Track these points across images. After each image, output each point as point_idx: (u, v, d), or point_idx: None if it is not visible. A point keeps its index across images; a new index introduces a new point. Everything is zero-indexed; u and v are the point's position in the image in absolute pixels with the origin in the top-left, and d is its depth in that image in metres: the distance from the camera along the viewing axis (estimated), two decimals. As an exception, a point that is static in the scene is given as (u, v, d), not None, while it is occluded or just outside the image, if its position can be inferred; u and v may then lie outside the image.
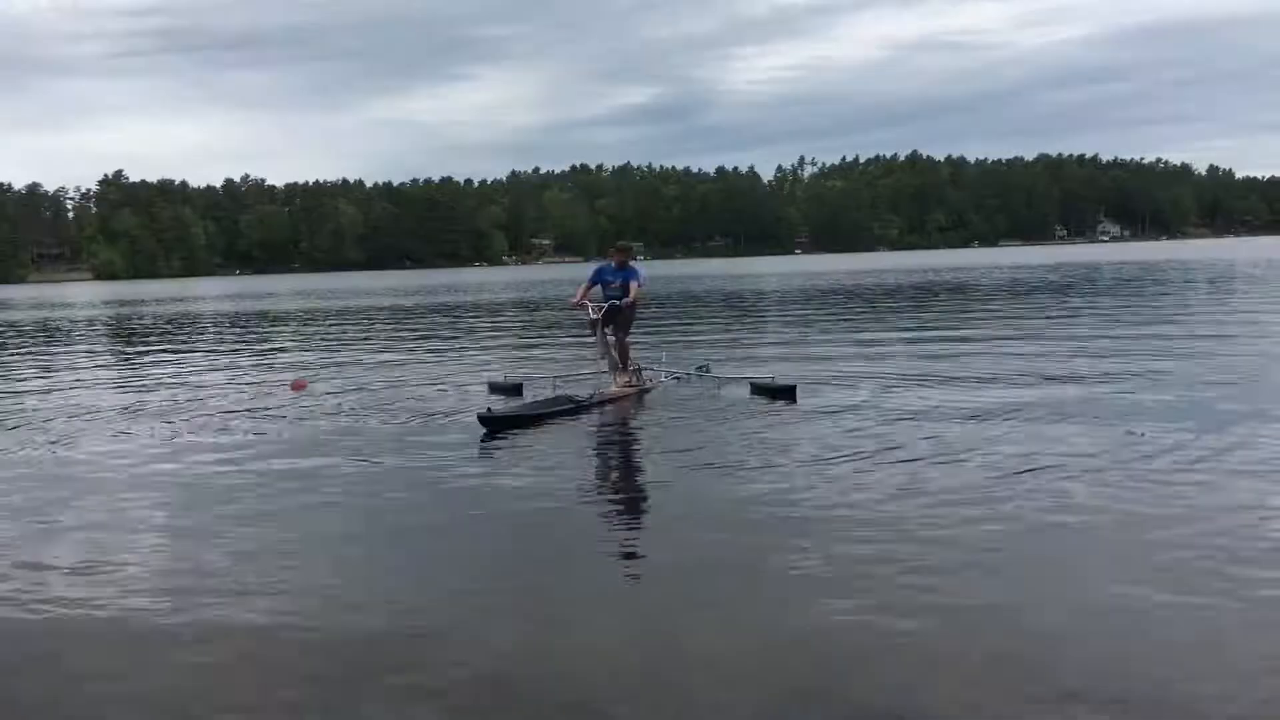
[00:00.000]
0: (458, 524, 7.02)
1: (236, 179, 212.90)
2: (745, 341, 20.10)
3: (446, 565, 6.19)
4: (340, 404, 12.63)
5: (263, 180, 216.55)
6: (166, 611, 5.42)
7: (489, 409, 10.71)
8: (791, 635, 4.90)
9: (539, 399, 11.90)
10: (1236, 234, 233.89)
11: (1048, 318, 23.25)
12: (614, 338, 12.40)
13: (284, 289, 79.35)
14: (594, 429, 10.67)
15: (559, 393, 12.22)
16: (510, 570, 6.03)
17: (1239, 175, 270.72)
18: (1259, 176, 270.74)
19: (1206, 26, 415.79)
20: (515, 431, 10.18)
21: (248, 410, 12.36)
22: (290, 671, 4.68)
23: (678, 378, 13.44)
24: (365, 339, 24.68)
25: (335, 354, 20.34)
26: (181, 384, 15.69)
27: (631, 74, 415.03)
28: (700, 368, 13.95)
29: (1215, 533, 6.06)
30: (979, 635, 4.81)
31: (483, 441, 9.81)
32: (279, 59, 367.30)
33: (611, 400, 11.85)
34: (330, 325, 31.23)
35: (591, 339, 12.73)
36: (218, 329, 31.71)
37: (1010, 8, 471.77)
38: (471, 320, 31.42)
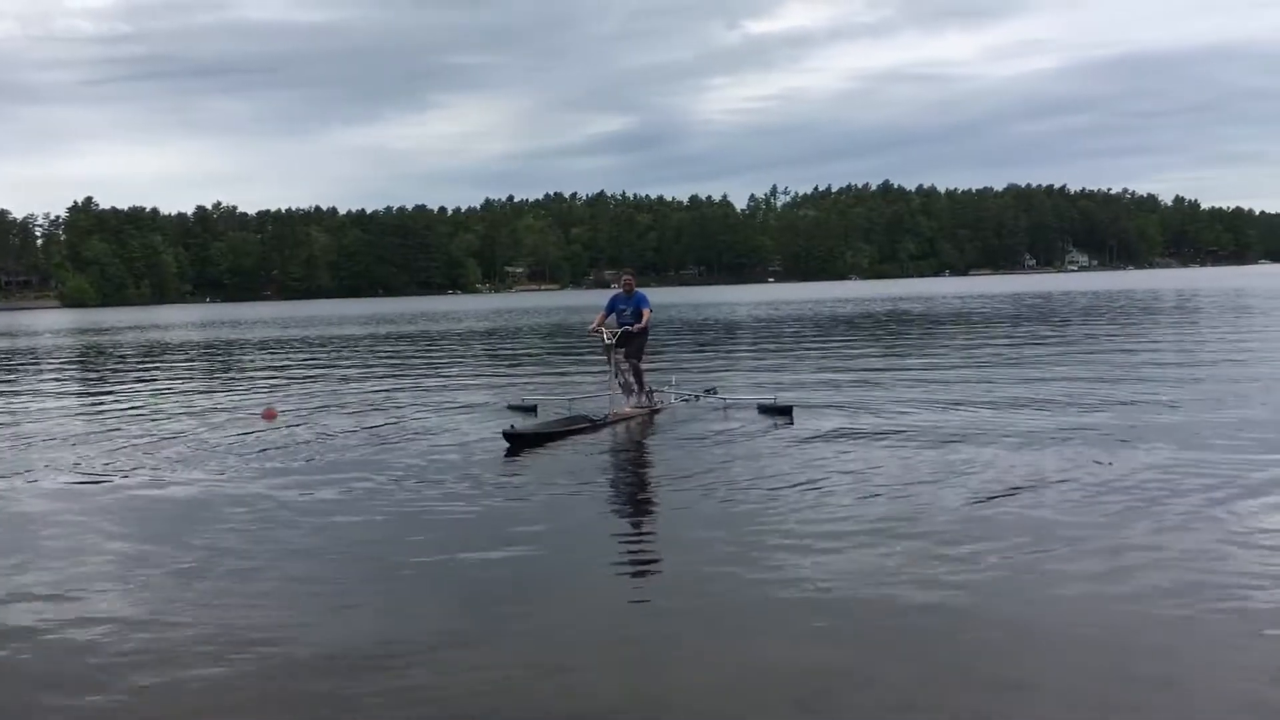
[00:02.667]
0: (441, 546, 6.96)
1: (208, 206, 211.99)
2: (744, 366, 20.62)
3: (431, 593, 6.12)
4: (313, 432, 12.56)
5: (234, 207, 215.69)
6: (122, 645, 5.32)
7: (513, 426, 11.48)
8: (771, 668, 4.88)
9: (558, 418, 12.54)
10: (1202, 264, 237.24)
11: (1032, 344, 23.45)
12: (628, 362, 13.13)
13: (256, 316, 78.88)
14: (605, 450, 11.08)
15: (574, 413, 12.88)
16: (495, 599, 5.97)
17: (1204, 206, 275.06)
18: (1224, 207, 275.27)
19: (1172, 60, 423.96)
20: (535, 450, 10.80)
21: (216, 439, 12.24)
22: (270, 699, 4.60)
23: (686, 399, 14.06)
24: (340, 366, 24.54)
25: (309, 382, 20.20)
26: (148, 412, 15.52)
27: (606, 103, 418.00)
28: (709, 390, 14.55)
29: (1183, 557, 6.10)
30: (965, 672, 4.81)
31: (506, 457, 10.45)
32: (252, 86, 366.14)
33: (624, 419, 12.57)
34: (303, 353, 31.04)
35: (605, 366, 13.35)
36: (187, 357, 31.44)
37: (980, 40, 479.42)
38: (451, 347, 31.35)
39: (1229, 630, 5.14)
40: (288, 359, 28.77)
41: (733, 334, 34.33)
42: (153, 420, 14.57)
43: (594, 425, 12.23)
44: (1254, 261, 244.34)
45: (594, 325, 13.39)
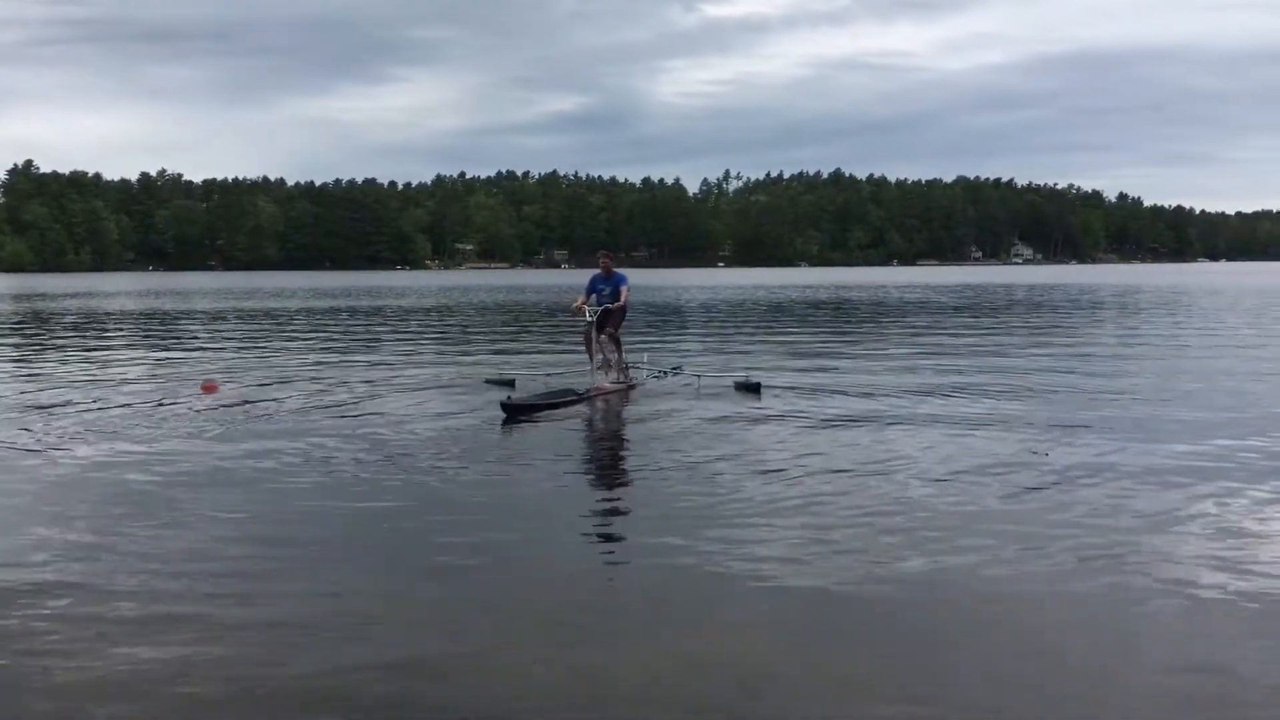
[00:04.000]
0: (392, 515, 6.92)
1: (152, 173, 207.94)
2: (716, 348, 20.64)
3: (378, 564, 6.07)
4: (254, 405, 12.41)
5: (179, 175, 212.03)
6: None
7: (509, 397, 12.19)
8: (712, 654, 4.92)
9: (547, 390, 13.11)
10: (1143, 260, 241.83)
11: (984, 334, 23.74)
12: (605, 336, 13.69)
13: (200, 286, 77.60)
14: (582, 425, 11.58)
15: (554, 388, 13.41)
16: (449, 572, 5.95)
17: (1147, 203, 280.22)
18: (1165, 205, 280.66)
19: (1120, 58, 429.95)
20: (529, 419, 11.47)
21: (155, 411, 12.06)
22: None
23: (658, 375, 14.74)
24: (283, 339, 24.23)
25: (251, 354, 19.93)
26: (87, 383, 15.24)
27: (561, 82, 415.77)
28: (675, 367, 15.37)
29: (1111, 543, 6.24)
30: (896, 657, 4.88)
31: (503, 426, 11.00)
32: (201, 53, 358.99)
33: (604, 394, 13.20)
34: (247, 325, 30.61)
35: (580, 343, 13.85)
36: (129, 326, 30.88)
37: (934, 32, 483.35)
38: (408, 323, 31.09)
39: (1151, 617, 5.26)
40: (233, 330, 28.37)
41: (694, 317, 34.39)
42: (88, 390, 14.30)
43: (580, 398, 12.78)
44: (1193, 259, 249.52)
45: (577, 305, 13.95)
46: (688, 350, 20.41)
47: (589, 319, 13.67)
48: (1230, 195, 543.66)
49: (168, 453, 9.61)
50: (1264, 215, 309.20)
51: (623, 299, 13.83)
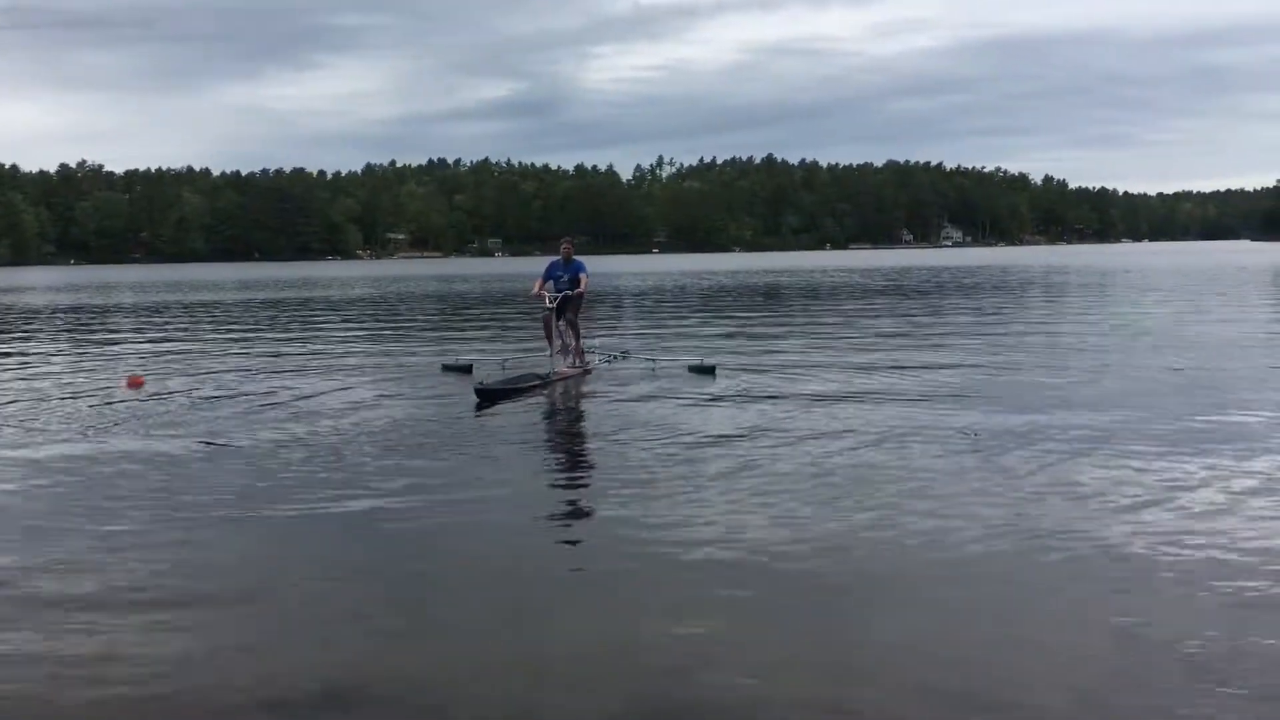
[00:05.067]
0: (341, 499, 6.84)
1: (72, 164, 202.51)
2: (659, 334, 20.63)
3: (322, 543, 6.01)
4: (178, 400, 12.18)
5: (100, 166, 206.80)
6: None
7: (482, 382, 12.46)
8: (636, 640, 4.96)
9: (515, 375, 13.31)
10: (1069, 241, 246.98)
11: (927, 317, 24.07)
12: (564, 323, 14.01)
13: (123, 279, 75.83)
14: (543, 408, 11.88)
15: (522, 371, 13.64)
16: (395, 553, 5.90)
17: (1072, 186, 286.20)
18: (1090, 187, 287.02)
19: (1045, 42, 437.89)
20: (502, 402, 11.76)
21: (80, 408, 11.79)
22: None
23: (608, 360, 15.10)
24: (213, 332, 23.80)
25: (177, 347, 19.54)
26: (9, 381, 14.84)
27: (490, 68, 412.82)
28: (623, 353, 15.81)
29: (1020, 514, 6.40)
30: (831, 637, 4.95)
31: (477, 412, 11.13)
32: (124, 39, 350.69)
33: (563, 378, 13.46)
34: (172, 318, 30.01)
35: (538, 328, 14.11)
36: (49, 322, 30.10)
37: (864, 16, 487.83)
38: (334, 312, 30.66)
39: (1070, 584, 5.40)
40: (159, 324, 27.78)
41: (634, 303, 34.42)
42: (15, 386, 13.93)
43: (545, 383, 13.06)
44: (1116, 240, 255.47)
45: (535, 291, 14.14)
46: (633, 336, 20.42)
47: (549, 305, 13.89)
48: (1152, 177, 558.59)
49: (97, 449, 9.39)
50: (1184, 196, 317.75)
51: (582, 286, 14.08)
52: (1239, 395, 11.36)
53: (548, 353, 13.93)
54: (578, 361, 14.27)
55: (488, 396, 11.88)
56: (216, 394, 12.87)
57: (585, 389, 13.02)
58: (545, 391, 12.76)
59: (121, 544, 6.43)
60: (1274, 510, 6.72)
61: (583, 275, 14.14)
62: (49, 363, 17.61)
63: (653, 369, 14.36)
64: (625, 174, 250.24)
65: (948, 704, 4.21)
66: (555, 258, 14.63)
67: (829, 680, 4.44)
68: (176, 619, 5.19)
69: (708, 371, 13.94)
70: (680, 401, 11.62)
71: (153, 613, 5.26)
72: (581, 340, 14.55)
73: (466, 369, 14.58)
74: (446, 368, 15.01)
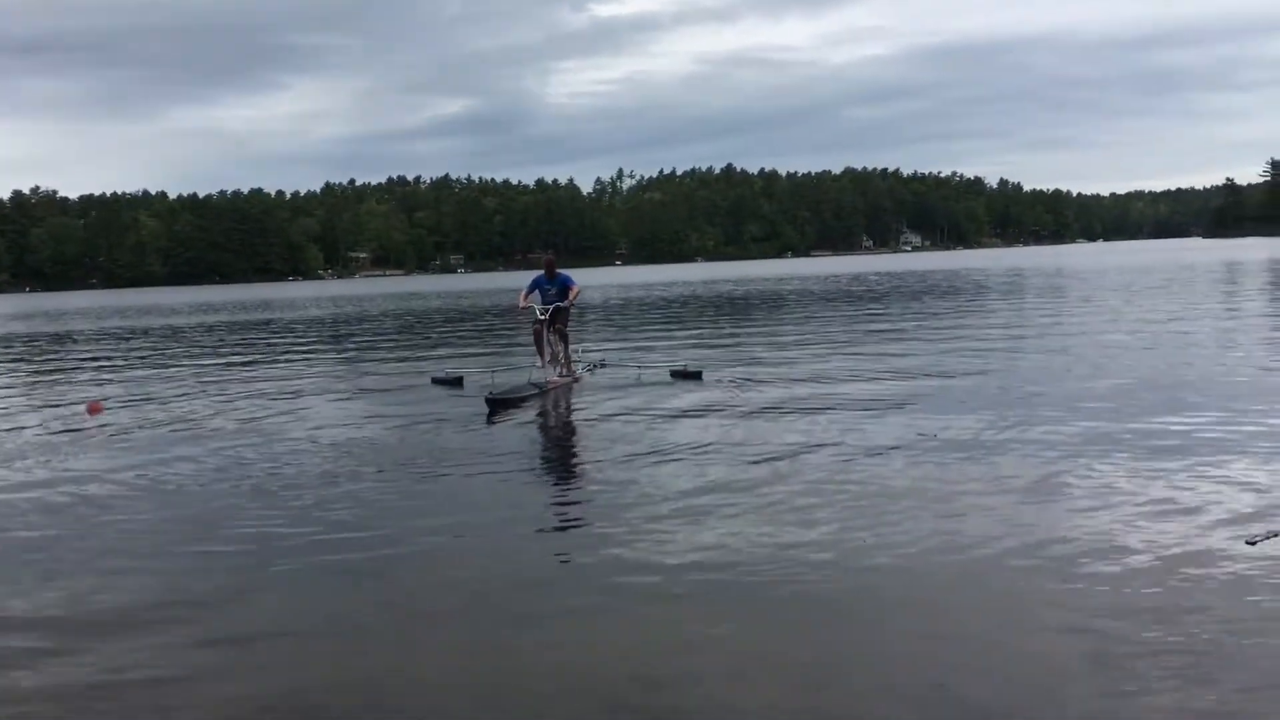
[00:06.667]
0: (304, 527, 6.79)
1: (25, 190, 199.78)
2: (636, 343, 20.52)
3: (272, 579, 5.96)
4: (140, 426, 12.04)
5: (54, 192, 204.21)
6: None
7: (491, 392, 12.69)
8: (617, 647, 4.97)
9: (513, 386, 13.51)
10: (1025, 243, 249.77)
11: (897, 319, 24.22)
12: (554, 334, 14.37)
13: (79, 306, 74.80)
14: (532, 418, 12.06)
15: (515, 383, 13.80)
16: (359, 572, 5.87)
17: (1026, 188, 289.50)
18: (1044, 189, 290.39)
19: (996, 47, 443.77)
20: (510, 411, 12.22)
21: (42, 437, 11.64)
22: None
23: (589, 369, 15.45)
24: (178, 355, 23.52)
25: (137, 375, 19.31)
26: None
27: (450, 85, 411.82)
28: (601, 362, 16.14)
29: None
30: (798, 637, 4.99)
31: (488, 421, 11.48)
32: (76, 64, 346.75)
33: (554, 387, 13.86)
34: (133, 344, 29.63)
35: (527, 340, 14.47)
36: (3, 350, 29.64)
37: (818, 26, 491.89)
38: (294, 334, 30.39)
39: (1032, 583, 5.46)
40: (118, 350, 27.44)
41: (604, 313, 34.41)
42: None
43: (543, 392, 13.42)
44: (1071, 240, 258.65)
45: (521, 304, 14.59)
46: (614, 348, 20.43)
47: (540, 316, 14.19)
48: (1105, 177, 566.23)
49: (59, 475, 9.27)
50: (1136, 196, 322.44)
51: (572, 296, 14.48)
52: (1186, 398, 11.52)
53: (539, 363, 14.14)
54: (566, 371, 14.61)
55: (497, 406, 12.26)
56: (179, 418, 12.73)
57: (573, 398, 13.26)
58: (539, 401, 13.03)
59: (87, 568, 6.35)
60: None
61: (573, 286, 14.55)
62: (8, 391, 17.34)
63: (638, 376, 14.69)
64: (586, 187, 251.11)
65: (921, 706, 4.25)
66: (539, 273, 14.96)
67: (803, 686, 4.48)
68: (143, 643, 5.14)
69: (694, 376, 14.30)
70: (665, 410, 11.69)
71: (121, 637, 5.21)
72: (570, 350, 14.94)
73: (457, 381, 14.89)
74: (436, 380, 15.24)
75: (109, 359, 24.48)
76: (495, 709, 4.38)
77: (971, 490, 7.43)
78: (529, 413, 12.28)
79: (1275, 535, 5.93)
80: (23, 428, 12.60)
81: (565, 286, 14.53)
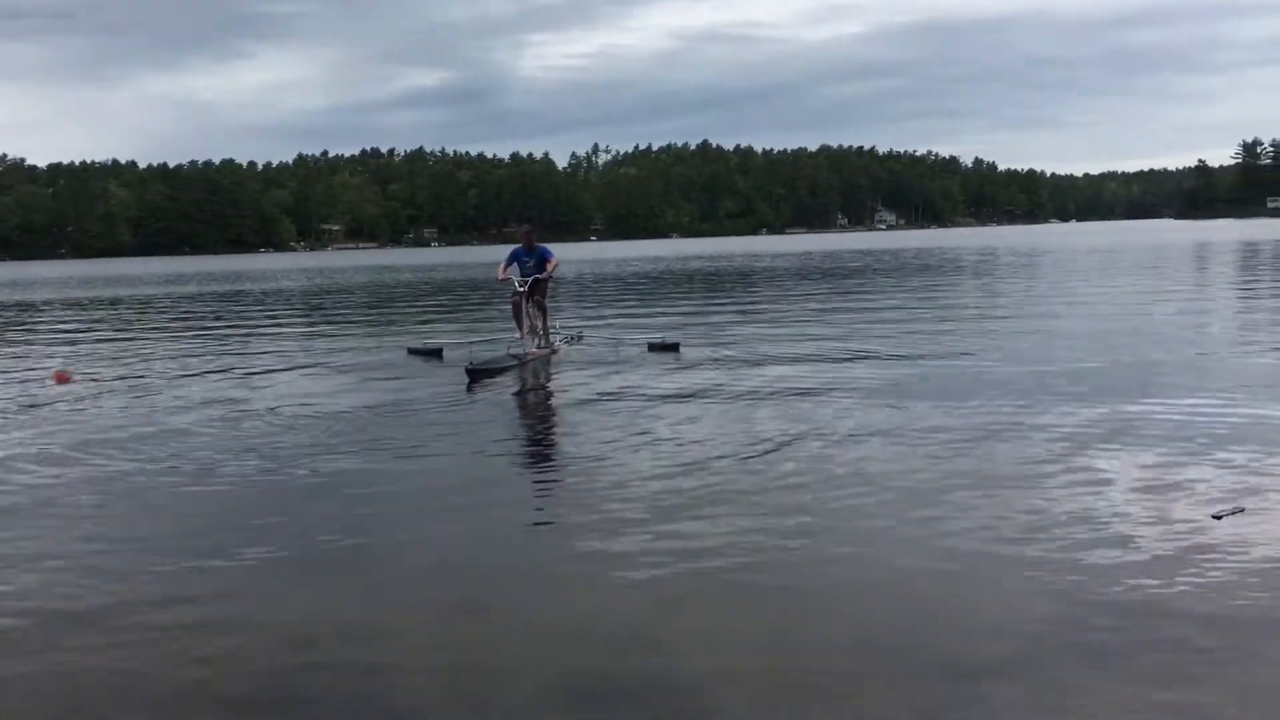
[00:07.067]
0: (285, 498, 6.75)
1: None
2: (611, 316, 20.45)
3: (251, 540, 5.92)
4: (108, 395, 11.93)
5: (22, 160, 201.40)
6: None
7: (471, 362, 12.79)
8: (581, 617, 4.98)
9: (493, 357, 13.63)
10: (999, 223, 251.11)
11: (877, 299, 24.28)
12: (533, 305, 14.43)
13: (48, 276, 73.93)
14: (512, 389, 12.07)
15: (493, 354, 13.90)
16: (333, 547, 5.84)
17: (1001, 168, 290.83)
18: (1019, 169, 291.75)
19: (971, 26, 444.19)
20: (490, 381, 12.36)
21: (3, 403, 11.50)
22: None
23: (567, 341, 15.45)
24: (147, 326, 23.30)
25: (107, 343, 19.13)
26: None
27: (423, 56, 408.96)
28: (578, 334, 16.14)
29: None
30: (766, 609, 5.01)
31: (468, 390, 11.63)
32: (44, 30, 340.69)
33: (533, 358, 14.01)
34: (100, 313, 29.33)
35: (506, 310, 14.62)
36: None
37: (793, 3, 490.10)
38: (269, 305, 30.16)
39: (1009, 562, 5.51)
40: (87, 319, 27.15)
41: (582, 288, 34.30)
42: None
43: (521, 363, 13.56)
44: (1045, 220, 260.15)
45: (500, 276, 14.63)
46: (591, 321, 20.40)
47: (519, 289, 14.29)
48: (1079, 157, 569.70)
49: (16, 451, 9.17)
50: (1110, 176, 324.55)
51: (550, 269, 14.57)
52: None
53: (517, 335, 14.32)
54: (544, 343, 14.70)
55: (477, 375, 12.38)
56: (148, 389, 12.62)
57: (551, 370, 13.39)
58: (518, 372, 13.12)
59: (68, 548, 6.30)
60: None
61: (551, 259, 14.63)
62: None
63: (616, 349, 14.84)
64: (561, 162, 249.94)
65: (891, 661, 4.28)
66: (516, 245, 15.07)
67: (774, 652, 4.50)
68: (106, 629, 5.11)
69: (671, 348, 14.38)
70: (645, 383, 11.63)
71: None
72: (548, 322, 15.03)
73: (436, 352, 15.05)
74: (413, 351, 15.42)
75: (77, 329, 24.22)
76: (469, 670, 4.37)
77: (949, 474, 7.38)
78: (508, 383, 12.35)
79: (1240, 511, 6.01)
80: (-11, 396, 12.44)
81: (544, 259, 14.62)
